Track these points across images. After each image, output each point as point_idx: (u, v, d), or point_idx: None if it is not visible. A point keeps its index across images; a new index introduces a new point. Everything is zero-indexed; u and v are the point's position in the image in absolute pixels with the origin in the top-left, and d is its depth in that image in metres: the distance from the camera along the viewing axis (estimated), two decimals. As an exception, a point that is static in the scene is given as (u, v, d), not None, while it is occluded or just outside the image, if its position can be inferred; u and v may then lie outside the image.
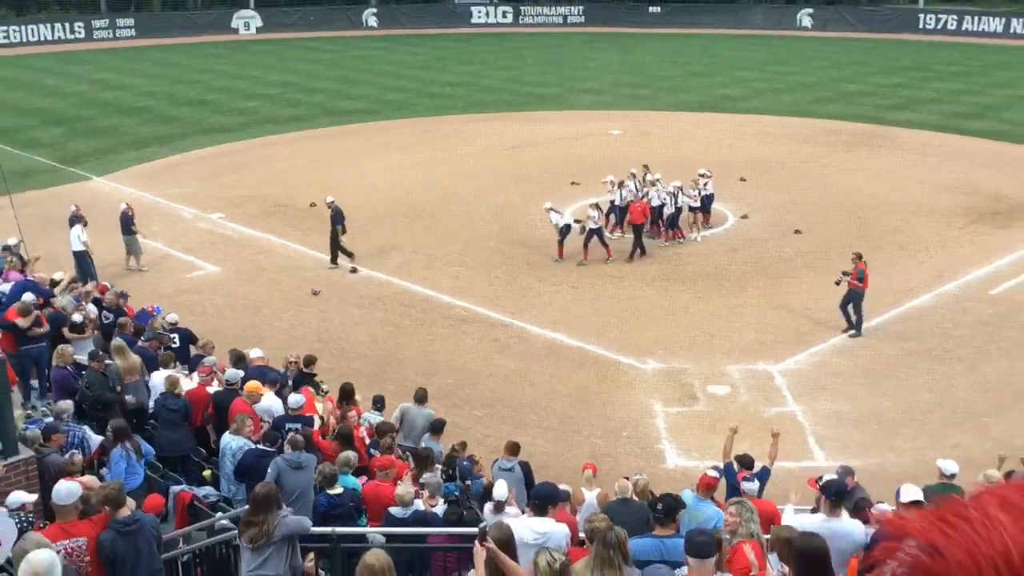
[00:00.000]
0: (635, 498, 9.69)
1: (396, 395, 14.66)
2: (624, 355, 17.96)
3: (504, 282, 21.64)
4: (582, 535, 8.21)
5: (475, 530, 6.57)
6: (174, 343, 14.95)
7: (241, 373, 12.88)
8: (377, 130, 36.77)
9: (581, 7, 66.63)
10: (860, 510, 9.09)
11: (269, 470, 9.64)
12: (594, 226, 22.28)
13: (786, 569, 6.48)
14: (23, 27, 58.00)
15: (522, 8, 66.62)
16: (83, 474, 9.26)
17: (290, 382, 13.48)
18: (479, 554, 6.13)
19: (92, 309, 15.31)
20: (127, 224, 22.01)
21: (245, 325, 19.20)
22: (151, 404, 12.50)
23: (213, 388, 12.82)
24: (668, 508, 7.89)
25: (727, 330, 18.98)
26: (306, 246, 23.67)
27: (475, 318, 19.78)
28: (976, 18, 60.10)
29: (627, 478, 10.14)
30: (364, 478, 10.87)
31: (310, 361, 14.02)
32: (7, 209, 19.32)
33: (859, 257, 18.44)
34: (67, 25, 59.03)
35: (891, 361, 17.66)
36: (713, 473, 9.72)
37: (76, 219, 20.91)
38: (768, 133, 35.51)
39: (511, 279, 21.80)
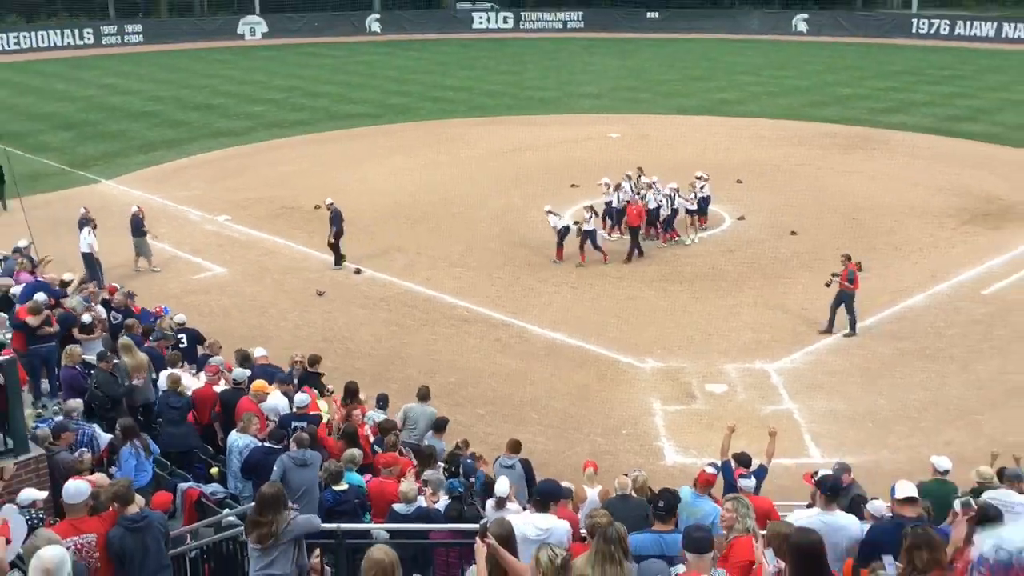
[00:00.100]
0: (634, 494, 9.78)
1: (400, 394, 14.82)
2: (623, 354, 18.14)
3: (505, 283, 21.84)
4: (583, 531, 8.21)
5: (476, 526, 6.48)
6: (182, 343, 15.12)
7: (248, 372, 12.97)
8: (381, 134, 37.01)
9: (580, 12, 66.87)
10: (856, 508, 9.12)
11: (275, 467, 9.71)
12: (588, 228, 22.49)
13: (782, 564, 6.45)
14: (33, 33, 58.43)
15: (522, 13, 66.90)
16: (92, 472, 9.28)
17: (295, 381, 13.61)
18: (480, 550, 6.12)
19: (101, 310, 15.46)
20: (137, 226, 22.19)
21: (251, 325, 19.39)
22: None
23: (220, 387, 12.94)
24: (669, 505, 7.97)
25: (724, 330, 19.16)
26: (311, 248, 23.88)
27: (477, 318, 19.97)
28: (968, 23, 60.46)
29: (626, 475, 10.21)
30: (368, 475, 10.89)
31: (315, 360, 14.11)
32: (18, 211, 19.63)
33: (848, 258, 18.61)
34: (76, 31, 59.48)
35: (885, 360, 17.83)
36: (711, 470, 9.71)
37: (85, 221, 21.12)
38: (764, 136, 35.74)
39: (512, 280, 22.00)
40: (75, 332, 14.14)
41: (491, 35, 64.50)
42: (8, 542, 6.34)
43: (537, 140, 35.21)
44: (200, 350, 15.26)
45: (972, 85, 45.53)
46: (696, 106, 41.66)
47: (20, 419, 9.16)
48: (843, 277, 18.40)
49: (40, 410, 12.09)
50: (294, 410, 11.90)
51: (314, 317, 20.04)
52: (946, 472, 10.21)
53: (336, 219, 22.53)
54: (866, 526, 8.22)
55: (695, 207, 24.27)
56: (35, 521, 7.65)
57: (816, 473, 9.56)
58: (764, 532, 7.53)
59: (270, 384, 12.66)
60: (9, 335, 13.71)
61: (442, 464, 11.67)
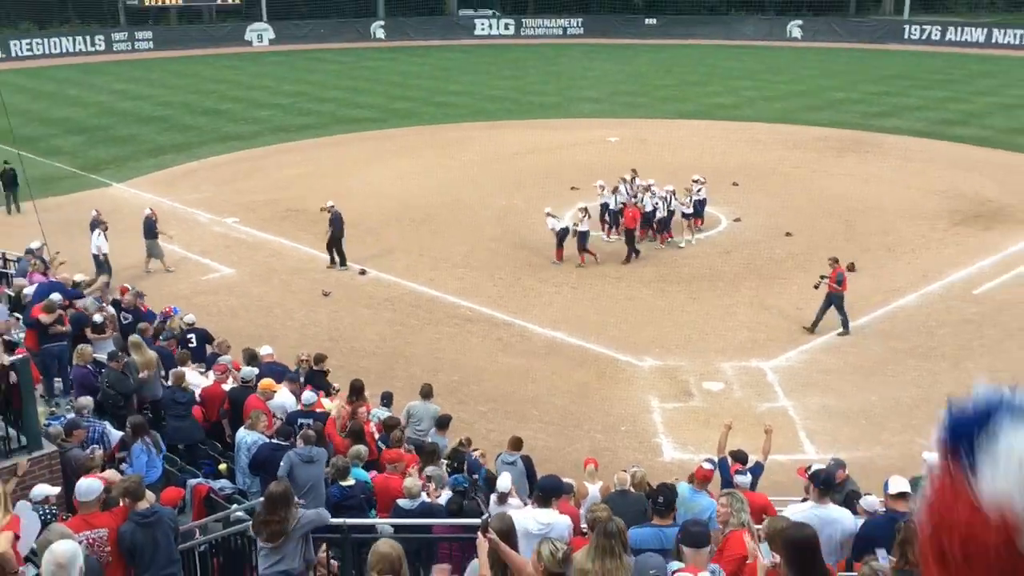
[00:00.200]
0: (633, 490, 9.94)
1: (404, 391, 15.03)
2: (622, 353, 18.35)
3: (507, 283, 22.07)
4: (584, 527, 8.35)
5: (478, 521, 6.50)
6: (191, 343, 15.41)
7: (255, 371, 13.20)
8: (385, 138, 37.20)
9: (580, 19, 67.11)
10: (850, 503, 9.28)
11: (282, 463, 9.87)
12: (582, 228, 22.72)
13: (777, 558, 6.40)
14: (46, 40, 58.64)
15: (524, 20, 67.21)
16: (103, 469, 9.45)
17: (302, 379, 13.82)
18: (481, 545, 6.11)
19: (112, 310, 15.70)
20: (150, 228, 22.42)
21: (259, 325, 19.60)
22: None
23: (228, 385, 13.19)
24: (667, 500, 8.14)
25: (721, 329, 19.37)
26: (317, 249, 24.05)
27: (479, 318, 20.20)
28: (959, 29, 60.76)
29: (625, 470, 10.37)
30: (374, 472, 11.06)
31: (321, 359, 14.34)
32: (31, 214, 19.90)
33: (836, 261, 18.78)
34: (88, 38, 59.70)
35: (879, 358, 18.03)
36: (707, 465, 9.87)
37: (97, 223, 21.39)
38: (760, 140, 35.93)
39: (514, 280, 22.24)
40: (87, 332, 14.32)
41: (493, 41, 64.69)
42: (17, 538, 6.52)
43: (538, 144, 35.40)
44: (209, 349, 15.46)
45: (963, 90, 45.77)
46: (693, 110, 41.87)
47: (33, 416, 9.41)
48: (831, 279, 18.56)
49: (53, 408, 12.34)
50: (301, 407, 12.13)
51: (320, 317, 20.26)
52: (939, 467, 10.36)
53: (336, 222, 22.80)
54: (860, 521, 8.40)
55: (691, 211, 24.47)
56: (48, 516, 7.89)
57: (809, 467, 9.72)
58: (760, 527, 7.68)
59: (277, 382, 12.91)
60: (22, 334, 13.99)
61: (445, 460, 11.86)
